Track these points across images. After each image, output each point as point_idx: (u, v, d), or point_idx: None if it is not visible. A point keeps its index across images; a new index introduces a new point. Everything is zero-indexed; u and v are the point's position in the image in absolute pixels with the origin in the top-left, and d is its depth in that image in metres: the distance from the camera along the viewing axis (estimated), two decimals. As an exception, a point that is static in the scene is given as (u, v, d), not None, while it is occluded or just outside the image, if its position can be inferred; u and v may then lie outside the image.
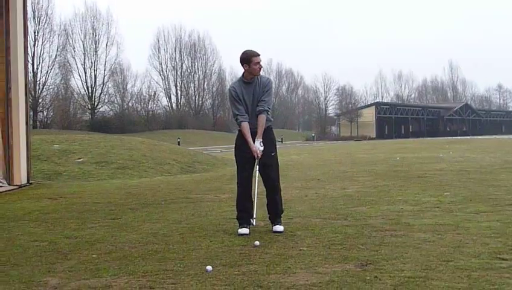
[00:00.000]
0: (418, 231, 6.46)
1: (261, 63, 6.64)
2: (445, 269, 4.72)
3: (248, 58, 6.63)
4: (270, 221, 6.81)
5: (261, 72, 6.79)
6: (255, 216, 6.62)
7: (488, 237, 5.96)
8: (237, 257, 5.43)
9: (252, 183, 6.82)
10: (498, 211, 7.63)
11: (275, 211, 6.81)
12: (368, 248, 5.66)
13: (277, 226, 6.67)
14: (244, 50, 6.72)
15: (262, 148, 6.65)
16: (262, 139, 6.68)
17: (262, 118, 6.68)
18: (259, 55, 6.64)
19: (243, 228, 6.62)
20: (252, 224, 6.59)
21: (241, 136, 6.77)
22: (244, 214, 6.76)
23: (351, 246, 5.74)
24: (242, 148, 6.76)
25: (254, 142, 6.64)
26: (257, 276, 4.70)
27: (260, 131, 6.67)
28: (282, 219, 6.85)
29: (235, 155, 6.97)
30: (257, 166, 6.72)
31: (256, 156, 6.65)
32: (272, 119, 7.03)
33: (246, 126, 6.67)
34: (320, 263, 5.09)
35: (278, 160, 7.00)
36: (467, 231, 6.33)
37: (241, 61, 6.69)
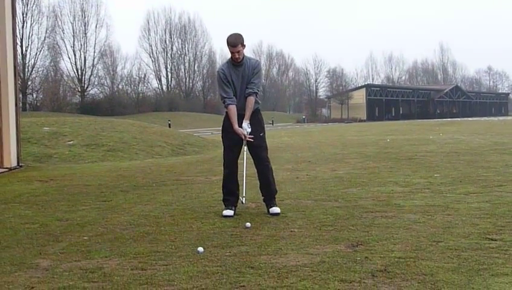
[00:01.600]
0: (408, 212, 6.49)
1: (238, 52, 6.53)
2: (435, 250, 4.76)
3: (228, 45, 6.60)
4: (265, 203, 6.80)
5: (248, 54, 6.76)
6: (244, 194, 6.62)
7: (478, 218, 6.00)
8: (228, 239, 5.45)
9: (237, 166, 6.83)
10: (487, 192, 7.68)
11: (269, 193, 6.81)
12: (358, 229, 5.69)
13: (274, 208, 6.66)
14: (229, 34, 6.63)
15: (249, 129, 6.64)
16: (250, 120, 6.67)
17: (251, 100, 6.66)
18: (234, 46, 6.50)
19: (228, 210, 6.64)
20: (242, 202, 6.59)
21: (228, 119, 6.76)
22: (229, 197, 6.78)
23: (342, 227, 5.76)
24: (229, 130, 6.74)
25: (242, 124, 6.63)
26: (248, 257, 4.71)
27: (248, 113, 6.66)
28: (280, 200, 6.85)
29: (222, 137, 6.97)
30: (245, 147, 6.72)
31: (243, 138, 6.65)
32: (260, 102, 7.01)
33: (232, 109, 6.65)
34: (311, 244, 5.12)
35: (267, 141, 7.01)
36: (457, 212, 6.37)
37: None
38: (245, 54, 6.69)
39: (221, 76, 6.68)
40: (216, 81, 6.91)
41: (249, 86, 6.65)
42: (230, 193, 6.80)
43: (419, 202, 7.14)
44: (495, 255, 4.52)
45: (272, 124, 68.44)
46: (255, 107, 6.78)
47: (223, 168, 6.93)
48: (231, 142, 6.78)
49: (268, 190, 6.83)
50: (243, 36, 6.62)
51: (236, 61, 6.63)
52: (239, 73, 6.66)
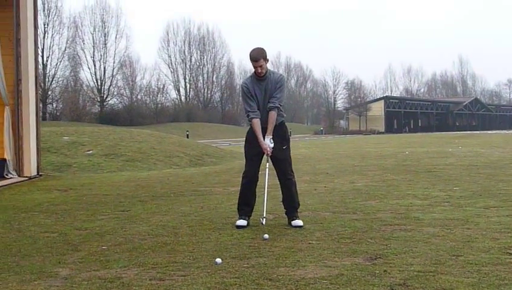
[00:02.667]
0: (428, 225, 6.44)
1: (261, 66, 6.55)
2: (454, 264, 4.71)
3: (250, 60, 6.63)
4: (288, 216, 6.78)
5: (270, 67, 6.78)
6: (265, 215, 6.59)
7: (498, 232, 5.93)
8: (246, 250, 5.44)
9: (257, 177, 6.83)
10: (508, 206, 7.60)
11: (291, 205, 6.79)
12: (377, 241, 5.65)
13: (296, 221, 6.62)
14: (252, 48, 6.65)
15: (272, 144, 6.64)
16: (274, 134, 6.68)
17: (272, 115, 6.66)
18: (256, 60, 6.52)
19: (241, 220, 6.66)
20: (262, 224, 6.51)
21: (252, 131, 6.77)
22: (244, 207, 6.79)
23: (360, 240, 5.73)
24: (252, 142, 6.77)
25: (264, 139, 6.63)
26: (266, 269, 4.70)
27: (270, 127, 6.65)
28: (298, 213, 6.84)
29: (244, 148, 6.98)
30: (267, 163, 6.71)
31: (266, 154, 6.65)
32: (285, 115, 7.03)
33: (257, 123, 6.66)
34: (329, 256, 5.10)
35: (290, 154, 7.00)
36: (477, 226, 6.31)
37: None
38: (268, 68, 6.70)
39: (245, 90, 6.70)
40: (240, 95, 6.93)
41: (271, 100, 6.65)
42: (246, 203, 6.80)
43: (439, 215, 7.08)
44: (516, 271, 4.46)
45: (290, 135, 68.33)
46: (279, 121, 6.79)
47: (241, 178, 6.94)
48: (253, 153, 6.79)
49: (291, 203, 6.81)
50: (265, 50, 6.63)
51: (259, 76, 6.64)
52: (262, 87, 6.67)
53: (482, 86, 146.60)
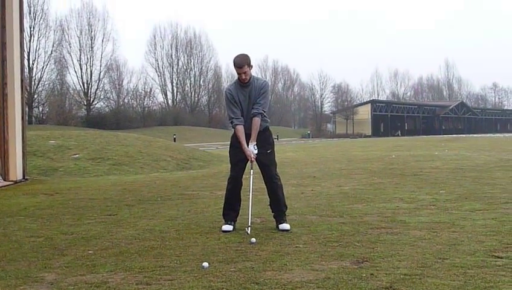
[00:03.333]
0: (414, 228, 6.47)
1: (245, 72, 6.51)
2: (440, 267, 4.74)
3: (234, 66, 6.60)
4: (276, 219, 6.77)
5: (256, 72, 6.81)
6: (250, 224, 6.54)
7: (484, 235, 5.97)
8: (233, 254, 5.44)
9: (241, 182, 6.82)
10: (493, 209, 7.65)
11: (279, 209, 6.79)
12: (363, 245, 5.67)
13: (284, 224, 6.61)
14: (236, 55, 6.62)
15: (256, 151, 6.63)
16: (258, 139, 6.66)
17: (256, 121, 6.63)
18: (240, 67, 6.50)
19: (227, 225, 6.66)
20: (247, 233, 6.37)
21: (236, 136, 6.76)
22: (230, 212, 6.79)
23: (347, 244, 5.75)
24: (236, 148, 6.76)
25: (248, 146, 6.63)
26: (253, 273, 4.70)
27: (254, 134, 6.62)
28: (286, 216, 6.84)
29: (229, 152, 6.96)
30: (251, 170, 6.70)
31: (250, 160, 6.65)
32: (269, 120, 6.99)
33: (240, 129, 6.64)
34: (316, 260, 5.10)
35: (275, 157, 6.99)
36: (463, 229, 6.34)
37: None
38: (252, 75, 6.68)
39: (229, 96, 6.68)
40: (224, 101, 6.89)
41: (255, 106, 6.63)
42: (231, 208, 6.80)
43: (425, 218, 7.11)
44: (501, 273, 4.49)
45: (277, 138, 68.43)
46: (264, 126, 6.77)
47: (227, 183, 6.93)
48: (237, 158, 6.77)
49: (278, 206, 6.80)
50: (250, 57, 6.60)
51: (244, 82, 6.62)
52: (246, 93, 6.65)
53: (468, 89, 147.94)
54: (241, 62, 6.51)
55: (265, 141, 6.77)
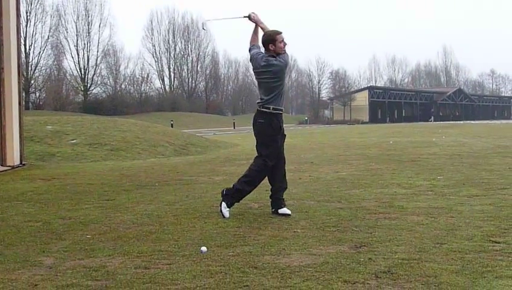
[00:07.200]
0: (412, 213, 6.49)
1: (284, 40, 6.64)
2: (438, 252, 4.75)
3: (272, 38, 6.62)
4: (274, 202, 6.70)
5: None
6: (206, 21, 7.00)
7: (481, 220, 5.99)
8: (232, 238, 5.45)
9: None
10: (491, 195, 7.67)
11: (285, 187, 6.84)
12: (361, 230, 5.68)
13: (284, 209, 6.59)
14: (264, 32, 6.76)
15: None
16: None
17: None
18: (281, 32, 6.65)
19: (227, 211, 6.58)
20: (204, 29, 7.05)
21: (270, 126, 6.69)
22: (238, 200, 6.72)
23: (345, 228, 5.76)
24: (277, 139, 6.80)
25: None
26: (252, 257, 4.71)
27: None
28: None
29: (271, 141, 6.76)
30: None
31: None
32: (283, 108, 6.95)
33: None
34: (314, 244, 5.11)
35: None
36: (460, 214, 6.36)
37: (264, 43, 6.67)
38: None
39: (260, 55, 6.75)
40: (249, 60, 6.87)
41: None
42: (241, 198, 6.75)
43: (423, 204, 7.13)
44: (498, 258, 4.51)
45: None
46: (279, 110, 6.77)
47: (265, 163, 6.70)
48: (278, 148, 6.84)
49: (284, 185, 6.85)
50: None
51: (281, 51, 6.65)
52: None
53: (466, 76, 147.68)
54: (279, 30, 6.68)
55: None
